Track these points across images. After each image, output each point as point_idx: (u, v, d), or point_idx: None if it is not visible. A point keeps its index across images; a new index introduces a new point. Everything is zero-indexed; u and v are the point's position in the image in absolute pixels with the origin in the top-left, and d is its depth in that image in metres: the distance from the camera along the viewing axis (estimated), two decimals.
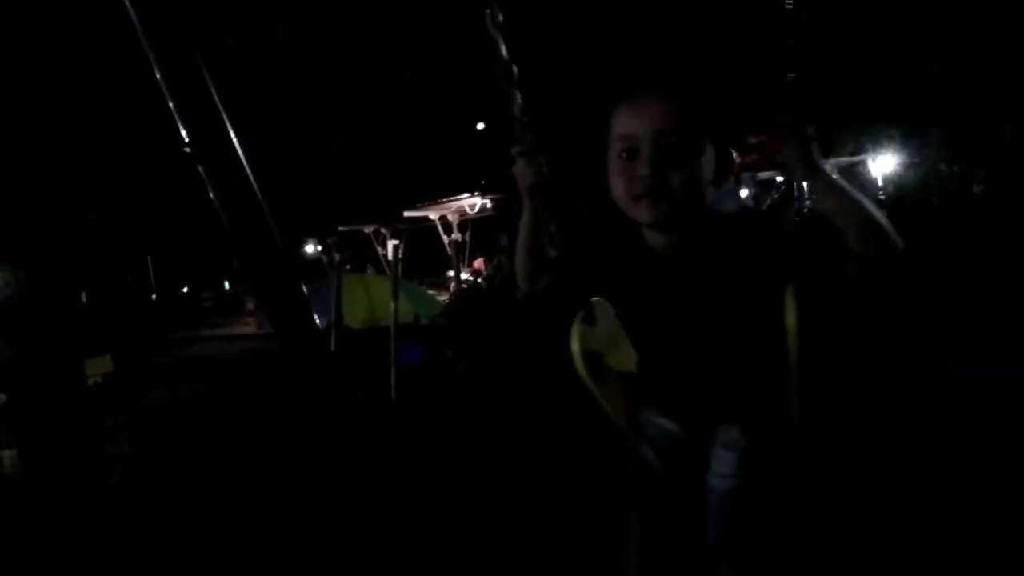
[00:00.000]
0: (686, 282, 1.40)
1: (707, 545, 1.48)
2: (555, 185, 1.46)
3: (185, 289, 37.86)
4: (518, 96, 1.51)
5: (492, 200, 17.71)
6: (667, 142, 1.30)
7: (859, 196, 1.26)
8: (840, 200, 1.26)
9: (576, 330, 1.59)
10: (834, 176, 1.27)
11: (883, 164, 14.75)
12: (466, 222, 18.60)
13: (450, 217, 18.33)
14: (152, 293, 32.44)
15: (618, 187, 1.37)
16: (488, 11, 1.46)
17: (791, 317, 1.40)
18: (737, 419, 1.45)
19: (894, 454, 2.87)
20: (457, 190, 18.09)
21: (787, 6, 1.38)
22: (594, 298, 1.59)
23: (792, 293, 1.41)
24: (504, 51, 1.49)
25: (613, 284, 1.51)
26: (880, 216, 1.25)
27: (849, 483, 2.56)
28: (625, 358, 1.59)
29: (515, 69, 1.50)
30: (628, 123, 1.35)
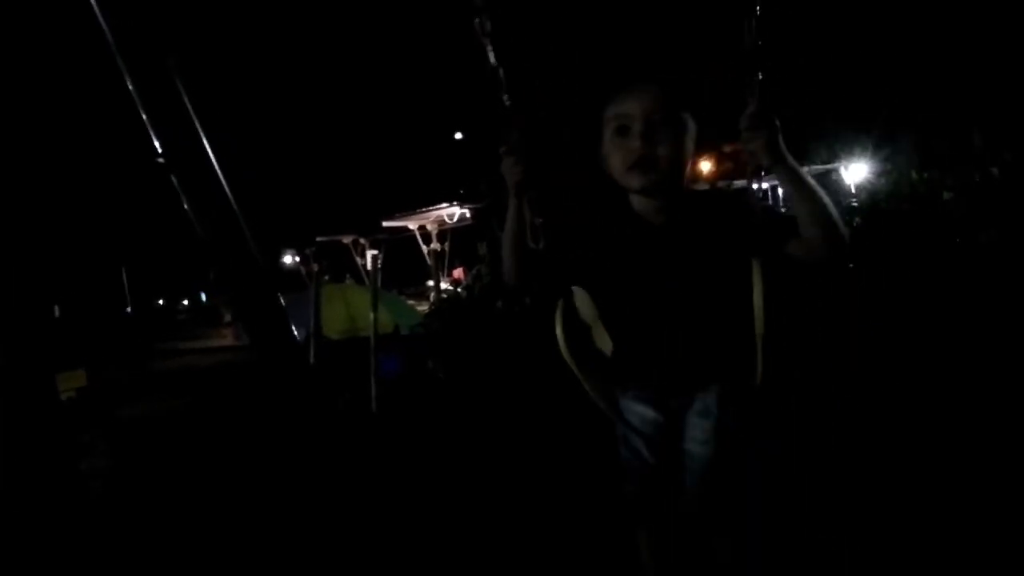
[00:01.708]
0: (667, 247, 1.55)
1: (688, 507, 1.62)
2: (540, 180, 1.57)
3: (161, 301, 37.42)
4: (505, 99, 1.63)
5: (471, 209, 17.72)
6: (655, 119, 1.48)
7: (817, 189, 1.40)
8: (798, 188, 1.40)
9: (559, 316, 1.73)
10: (797, 168, 1.40)
11: (855, 172, 15.01)
12: (445, 232, 18.59)
13: (429, 227, 18.30)
14: (127, 305, 32.01)
15: (613, 159, 1.54)
16: (477, 20, 1.58)
17: (757, 293, 1.56)
18: (709, 386, 1.58)
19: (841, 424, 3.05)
20: (436, 200, 18.08)
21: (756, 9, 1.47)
22: (575, 287, 1.72)
23: (758, 270, 1.56)
24: (492, 57, 1.61)
25: (600, 258, 1.61)
26: (832, 210, 1.40)
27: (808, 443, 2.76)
28: (604, 342, 1.72)
29: (502, 74, 1.61)
30: (621, 105, 1.52)
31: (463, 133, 23.43)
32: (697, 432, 1.59)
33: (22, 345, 3.01)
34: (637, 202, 1.58)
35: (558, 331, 1.74)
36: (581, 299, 1.73)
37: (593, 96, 1.64)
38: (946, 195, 4.91)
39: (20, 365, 3.16)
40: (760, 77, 1.42)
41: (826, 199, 1.40)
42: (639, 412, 1.65)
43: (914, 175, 5.58)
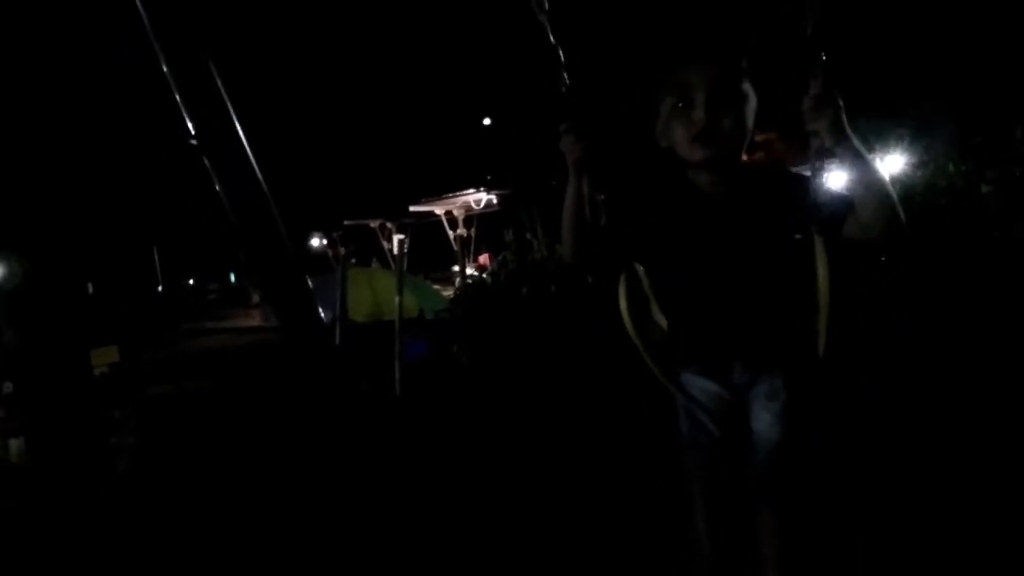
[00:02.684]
0: (728, 220, 1.54)
1: (752, 487, 1.63)
2: (600, 158, 1.57)
3: (191, 281, 37.99)
4: (565, 77, 1.62)
5: (497, 195, 17.68)
6: (718, 90, 1.47)
7: (879, 171, 1.40)
8: (862, 170, 1.40)
9: (623, 290, 1.74)
10: (861, 148, 1.39)
11: (891, 164, 14.75)
12: (471, 217, 18.58)
13: (455, 212, 18.31)
14: (158, 285, 32.54)
15: (676, 132, 1.52)
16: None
17: (822, 270, 1.54)
18: (774, 366, 1.58)
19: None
20: (463, 185, 18.07)
21: None
22: (636, 263, 1.71)
23: (822, 247, 1.54)
24: (551, 36, 1.60)
25: (659, 232, 1.60)
26: (892, 193, 1.40)
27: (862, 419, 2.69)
28: (663, 317, 1.72)
29: (561, 52, 1.61)
30: (684, 77, 1.50)
31: (491, 119, 23.34)
32: (767, 415, 1.60)
33: (58, 321, 3.08)
34: (696, 175, 1.57)
35: (622, 305, 1.74)
36: (643, 274, 1.74)
37: (651, 67, 1.61)
38: (984, 188, 4.78)
39: (56, 340, 3.23)
40: (824, 58, 1.39)
41: (888, 184, 1.41)
42: (702, 386, 1.65)
43: (951, 167, 5.43)
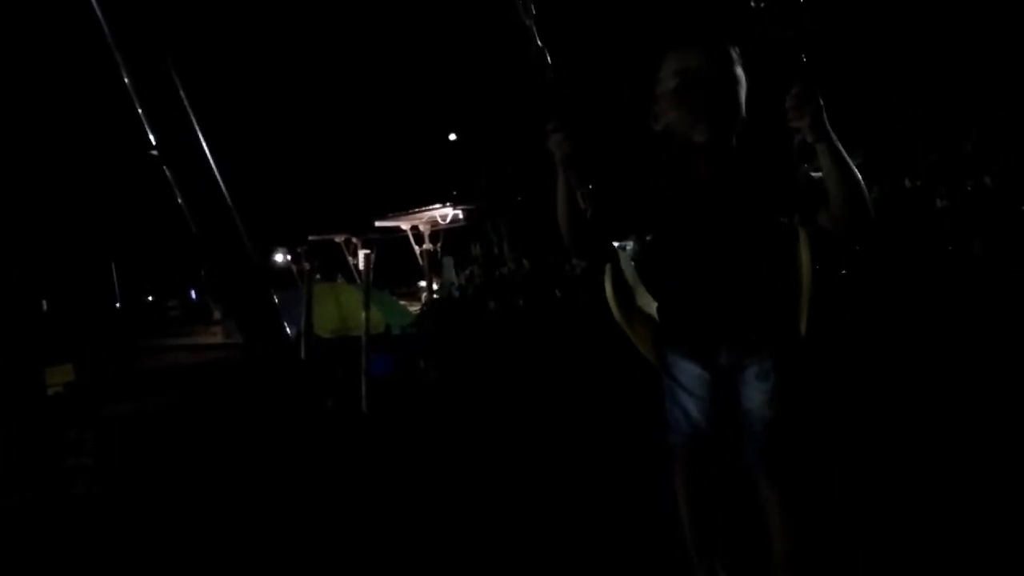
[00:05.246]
0: (718, 201, 1.60)
1: (745, 464, 1.68)
2: (585, 154, 1.63)
3: (150, 297, 37.13)
4: (551, 78, 1.68)
5: (464, 210, 17.72)
6: (718, 73, 1.55)
7: (854, 169, 1.45)
8: (839, 165, 1.45)
9: (608, 277, 1.79)
10: (839, 145, 1.44)
11: None
12: (438, 232, 18.58)
13: (422, 227, 18.30)
14: (116, 301, 31.75)
15: (677, 113, 1.60)
16: (522, 3, 1.64)
17: (805, 251, 1.60)
18: (762, 347, 1.62)
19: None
20: (429, 200, 18.08)
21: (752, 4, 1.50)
22: (620, 251, 1.79)
23: (805, 232, 1.61)
24: (538, 39, 1.66)
25: (651, 214, 1.67)
26: (865, 191, 1.47)
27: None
28: (648, 302, 1.79)
29: (548, 55, 1.66)
30: (685, 60, 1.58)
31: (457, 134, 23.39)
32: (759, 395, 1.63)
33: (12, 339, 2.98)
34: (691, 156, 1.62)
35: (608, 291, 1.80)
36: (626, 262, 1.80)
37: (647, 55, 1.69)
38: (939, 203, 4.95)
39: (9, 359, 3.13)
40: (804, 59, 1.45)
41: (860, 181, 1.47)
42: (687, 369, 1.69)
43: (907, 183, 5.61)
